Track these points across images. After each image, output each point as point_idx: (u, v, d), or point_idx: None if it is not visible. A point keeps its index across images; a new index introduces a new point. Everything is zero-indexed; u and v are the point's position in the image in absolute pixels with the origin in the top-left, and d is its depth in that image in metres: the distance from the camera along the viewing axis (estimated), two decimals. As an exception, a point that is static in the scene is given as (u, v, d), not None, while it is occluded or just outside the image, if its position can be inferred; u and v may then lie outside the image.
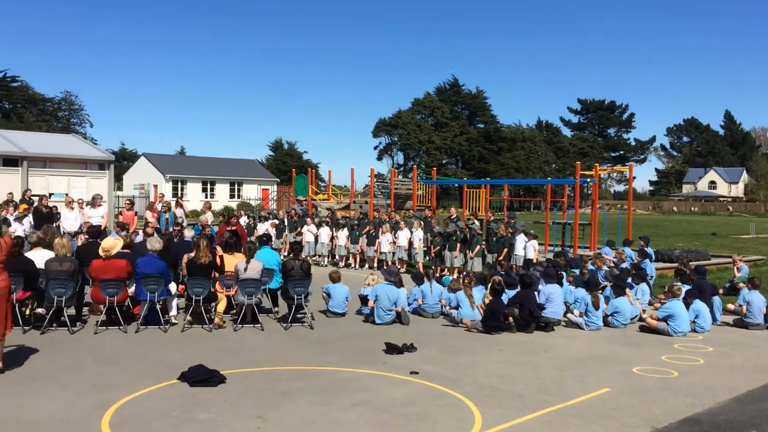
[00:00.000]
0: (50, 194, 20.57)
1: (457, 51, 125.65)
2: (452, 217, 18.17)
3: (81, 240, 14.91)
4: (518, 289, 10.85)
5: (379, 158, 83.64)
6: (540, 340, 9.79)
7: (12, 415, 5.86)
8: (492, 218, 18.49)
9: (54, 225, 15.59)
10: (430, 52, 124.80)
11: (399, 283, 11.21)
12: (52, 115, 66.24)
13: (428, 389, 7.06)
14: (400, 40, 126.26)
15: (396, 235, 17.78)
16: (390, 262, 17.84)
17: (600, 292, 10.96)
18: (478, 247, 16.03)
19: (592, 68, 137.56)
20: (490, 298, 10.57)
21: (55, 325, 9.54)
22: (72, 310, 9.91)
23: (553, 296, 10.66)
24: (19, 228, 16.07)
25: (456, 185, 53.53)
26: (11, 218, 16.52)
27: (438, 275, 14.66)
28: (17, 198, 19.54)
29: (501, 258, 15.47)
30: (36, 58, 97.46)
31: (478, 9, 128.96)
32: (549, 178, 64.59)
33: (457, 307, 10.87)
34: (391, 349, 8.68)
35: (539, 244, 16.28)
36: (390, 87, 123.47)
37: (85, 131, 66.05)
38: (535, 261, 14.41)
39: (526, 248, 15.32)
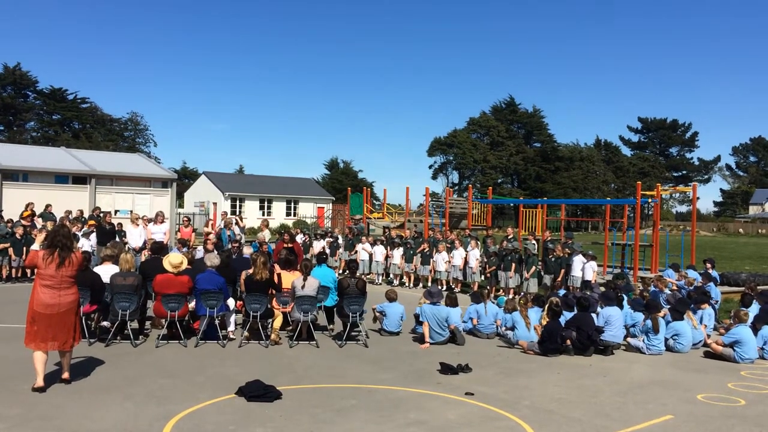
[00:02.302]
0: (116, 211, 21.36)
1: (514, 70, 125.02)
2: (508, 236, 18.00)
3: (144, 255, 15.40)
4: (576, 311, 10.63)
5: (434, 177, 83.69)
6: (599, 363, 9.55)
7: (78, 426, 6.07)
8: (549, 238, 18.21)
9: (120, 241, 16.17)
10: (486, 71, 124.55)
11: (453, 303, 11.15)
12: (119, 135, 68.93)
13: (483, 411, 6.97)
14: (456, 60, 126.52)
15: (451, 255, 17.71)
16: (444, 281, 17.78)
17: (661, 315, 10.63)
18: (534, 267, 15.81)
19: (653, 86, 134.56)
20: (547, 319, 10.38)
21: (119, 337, 9.86)
22: (135, 324, 10.24)
23: (612, 319, 10.40)
24: (86, 243, 16.74)
25: (512, 205, 52.97)
26: (79, 234, 17.24)
27: (493, 295, 14.51)
28: (86, 215, 20.37)
29: (559, 279, 15.20)
30: (105, 80, 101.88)
31: (534, 28, 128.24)
32: (608, 198, 63.15)
33: (512, 328, 10.72)
34: (446, 369, 8.62)
35: (598, 266, 15.93)
36: (445, 106, 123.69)
37: (149, 150, 68.49)
38: (593, 283, 14.09)
39: (584, 269, 15.02)
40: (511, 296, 14.60)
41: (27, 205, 20.45)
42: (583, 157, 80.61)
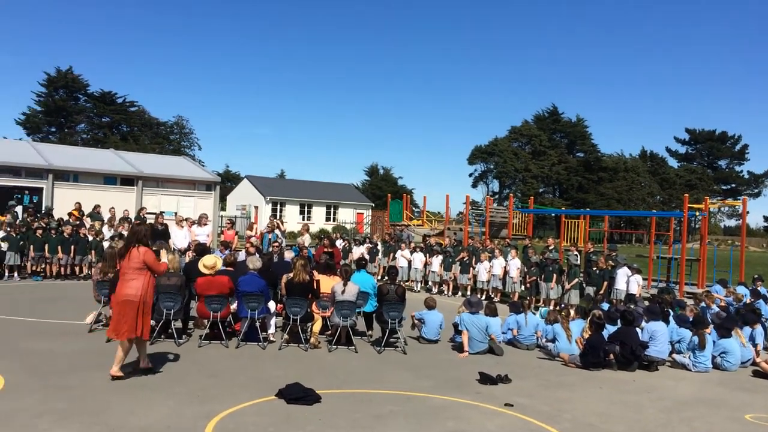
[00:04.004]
0: (161, 212, 21.79)
1: (558, 79, 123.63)
2: (549, 247, 17.78)
3: (189, 257, 15.67)
4: (619, 325, 10.41)
5: (474, 185, 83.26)
6: (643, 379, 9.34)
7: (124, 421, 6.20)
8: (591, 250, 17.92)
9: (167, 242, 16.47)
10: (528, 80, 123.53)
11: (492, 312, 11.05)
12: (165, 138, 70.40)
13: (523, 423, 6.88)
14: (498, 68, 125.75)
15: (491, 264, 17.57)
16: (483, 291, 17.64)
17: (707, 332, 10.34)
18: (576, 279, 15.57)
19: (701, 97, 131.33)
20: (590, 332, 10.20)
21: (163, 336, 10.04)
22: (179, 323, 10.41)
23: (657, 334, 10.16)
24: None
25: (553, 215, 52.32)
26: (126, 234, 17.64)
27: (533, 306, 14.35)
28: (132, 215, 20.86)
29: (601, 292, 14.93)
30: (152, 84, 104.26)
31: (579, 37, 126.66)
32: (654, 211, 61.85)
33: (553, 340, 10.57)
34: (485, 379, 8.54)
35: (642, 279, 15.58)
36: (487, 114, 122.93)
37: (193, 153, 69.86)
38: (637, 297, 13.80)
39: (628, 282, 14.73)
40: (552, 307, 14.39)
41: (75, 205, 21.07)
42: (627, 168, 79.10)
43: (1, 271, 16.88)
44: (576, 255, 17.04)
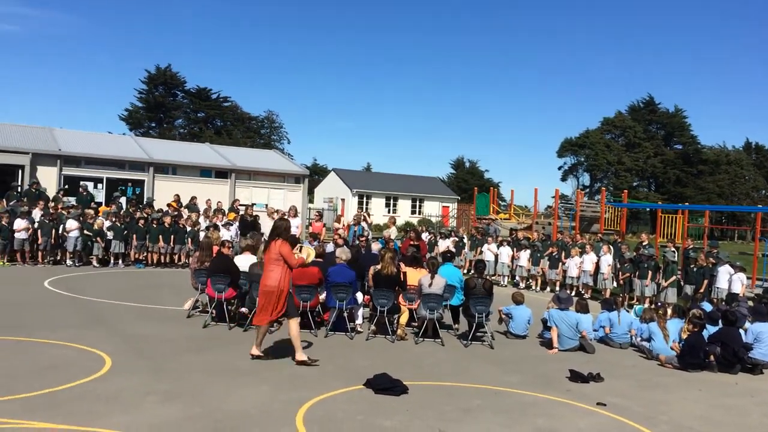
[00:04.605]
0: (252, 204, 22.52)
1: (653, 68, 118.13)
2: (643, 243, 17.12)
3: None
4: (721, 325, 9.89)
5: (564, 179, 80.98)
6: (746, 383, 8.84)
7: (220, 404, 6.47)
8: (690, 246, 17.10)
9: (259, 232, 17.05)
10: (622, 69, 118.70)
11: (584, 309, 10.77)
12: (256, 132, 72.59)
13: (618, 423, 6.67)
14: (590, 58, 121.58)
15: (582, 259, 17.11)
16: (573, 287, 17.21)
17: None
18: (674, 276, 14.91)
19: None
20: (689, 332, 9.74)
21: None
22: (270, 312, 10.71)
23: (763, 336, 9.59)
24: (226, 233, 17.81)
25: (648, 209, 50.28)
26: (220, 224, 18.38)
27: (627, 304, 13.86)
28: (225, 207, 21.68)
29: (701, 290, 14.24)
30: (244, 80, 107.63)
31: (676, 23, 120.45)
32: (759, 206, 58.29)
33: (648, 339, 10.18)
34: (576, 376, 8.33)
35: (746, 278, 14.72)
36: (576, 106, 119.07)
37: (283, 147, 71.62)
38: (741, 296, 13.07)
39: (731, 281, 13.98)
40: (647, 305, 13.85)
41: (174, 197, 22.14)
42: (730, 161, 74.70)
43: (107, 259, 17.97)
44: (673, 251, 16.34)
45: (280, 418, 6.14)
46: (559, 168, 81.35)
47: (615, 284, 16.70)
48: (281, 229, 8.44)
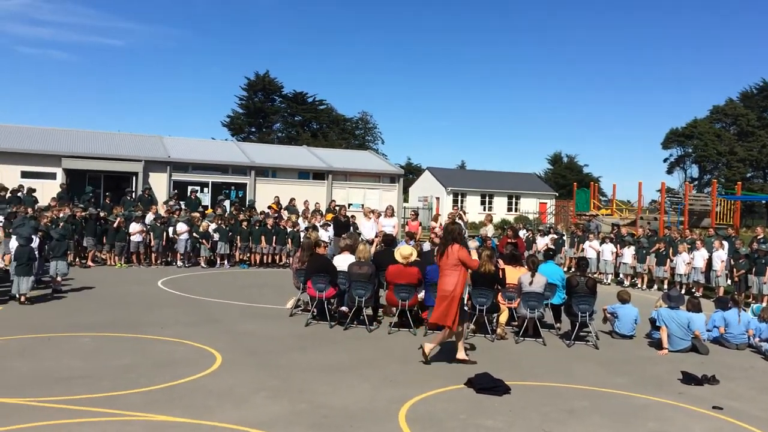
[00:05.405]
0: (349, 204, 22.93)
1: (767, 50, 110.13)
2: (759, 237, 16.05)
3: (376, 247, 16.33)
4: None
5: (669, 172, 77.05)
6: None
7: (326, 400, 6.64)
8: (814, 240, 15.85)
9: (355, 232, 17.34)
10: (733, 53, 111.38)
11: (696, 308, 10.22)
12: (351, 134, 73.80)
13: (735, 428, 6.30)
14: (695, 45, 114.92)
15: (692, 256, 16.25)
16: (683, 284, 16.39)
17: None
18: (796, 273, 13.88)
19: None
20: (814, 333, 9.05)
21: (355, 322, 10.58)
22: (369, 311, 10.89)
23: None
24: (324, 234, 18.23)
25: (764, 202, 47.09)
26: (318, 225, 18.83)
27: (743, 302, 13.04)
28: (323, 208, 22.20)
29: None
30: (338, 82, 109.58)
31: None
32: None
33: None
34: (689, 378, 7.93)
35: None
36: (682, 95, 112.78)
37: (377, 147, 72.41)
38: None
39: None
40: (765, 303, 12.98)
41: (274, 199, 22.90)
42: None
43: (213, 260, 18.83)
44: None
45: (383, 415, 6.22)
46: (665, 160, 77.59)
47: (729, 282, 15.75)
48: (455, 233, 8.45)
